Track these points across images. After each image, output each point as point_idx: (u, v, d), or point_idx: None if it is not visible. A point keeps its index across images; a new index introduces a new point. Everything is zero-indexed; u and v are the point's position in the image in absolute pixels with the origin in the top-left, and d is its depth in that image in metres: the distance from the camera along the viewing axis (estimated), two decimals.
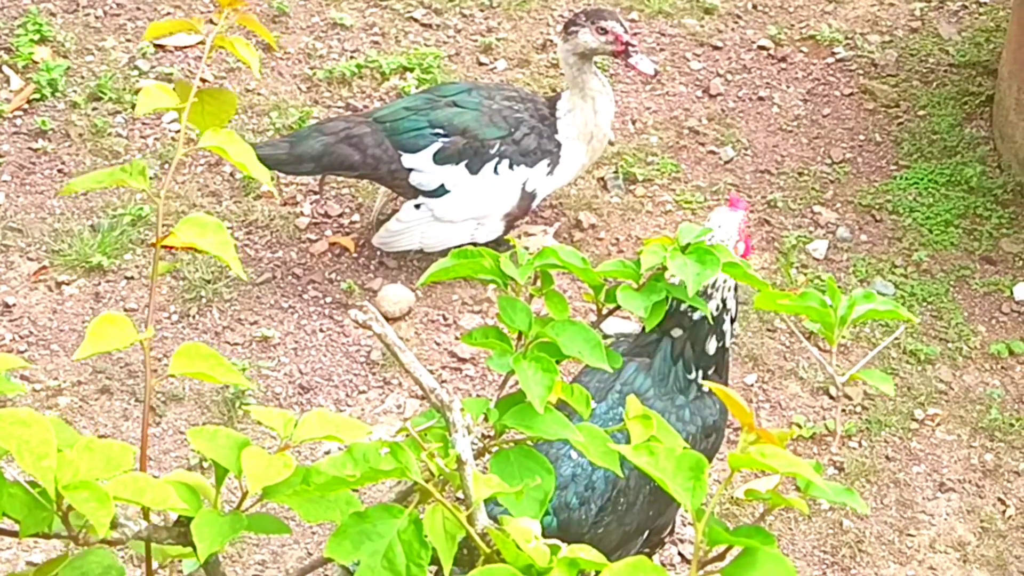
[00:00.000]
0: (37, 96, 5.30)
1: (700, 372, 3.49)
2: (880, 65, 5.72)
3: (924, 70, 5.71)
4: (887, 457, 4.35)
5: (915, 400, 4.50)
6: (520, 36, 5.76)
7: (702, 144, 5.36)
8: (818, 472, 2.15)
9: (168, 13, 5.72)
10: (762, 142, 5.38)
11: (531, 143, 4.66)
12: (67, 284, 4.68)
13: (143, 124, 5.25)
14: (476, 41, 5.72)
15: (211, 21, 2.78)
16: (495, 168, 4.63)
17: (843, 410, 4.46)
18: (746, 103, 5.55)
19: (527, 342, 2.56)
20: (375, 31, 5.72)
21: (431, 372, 4.34)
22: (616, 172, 5.14)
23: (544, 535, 2.09)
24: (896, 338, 4.62)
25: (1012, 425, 4.44)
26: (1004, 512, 4.23)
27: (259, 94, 5.39)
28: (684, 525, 4.04)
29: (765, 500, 2.22)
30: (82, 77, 5.41)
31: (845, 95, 5.60)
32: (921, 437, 4.42)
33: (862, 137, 5.41)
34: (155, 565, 2.64)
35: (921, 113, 5.50)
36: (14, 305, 4.61)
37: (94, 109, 5.28)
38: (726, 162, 5.29)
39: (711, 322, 3.44)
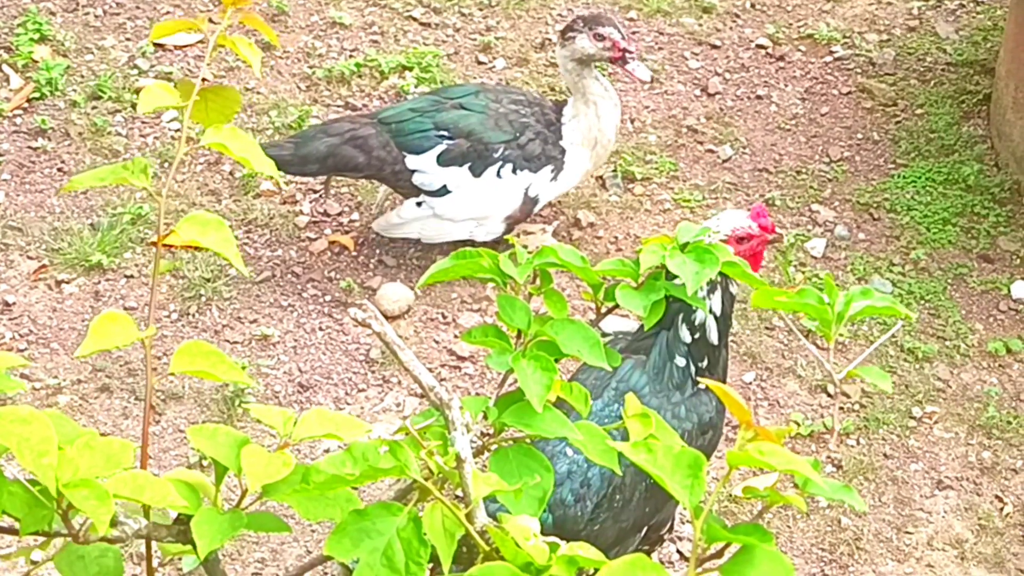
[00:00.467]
0: (37, 95, 5.31)
1: (688, 362, 3.47)
2: (878, 64, 5.73)
3: (922, 69, 5.72)
4: (885, 455, 4.36)
5: (913, 398, 4.51)
6: (519, 35, 5.77)
7: (700, 143, 5.37)
8: (816, 470, 2.16)
9: (168, 12, 5.73)
10: (760, 141, 5.39)
11: (536, 148, 4.66)
12: (67, 283, 4.69)
13: (143, 123, 5.25)
14: (475, 40, 5.72)
15: (211, 20, 2.79)
16: (498, 172, 4.64)
17: (841, 408, 4.47)
18: (744, 102, 5.56)
19: (526, 340, 2.57)
20: (374, 30, 5.73)
21: (430, 370, 4.35)
22: (615, 171, 5.15)
23: (540, 532, 2.10)
24: (894, 335, 4.63)
25: (1010, 423, 4.45)
26: (1002, 510, 4.23)
27: (258, 93, 5.40)
28: (683, 522, 4.05)
29: (763, 498, 2.23)
30: (82, 76, 5.42)
31: (843, 94, 5.61)
32: (919, 435, 4.42)
33: (860, 136, 5.42)
34: (155, 563, 2.65)
35: (919, 112, 5.51)
36: (14, 304, 4.61)
37: (94, 108, 5.29)
38: (724, 161, 5.30)
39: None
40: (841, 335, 4.53)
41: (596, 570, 2.01)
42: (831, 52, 5.78)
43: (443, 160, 4.62)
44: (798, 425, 4.38)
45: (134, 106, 5.26)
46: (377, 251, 4.86)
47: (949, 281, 4.88)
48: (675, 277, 2.67)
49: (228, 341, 4.56)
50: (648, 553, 3.68)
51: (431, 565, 2.14)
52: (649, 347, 3.52)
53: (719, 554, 2.14)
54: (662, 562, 4.00)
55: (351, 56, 5.59)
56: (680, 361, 3.47)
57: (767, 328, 4.69)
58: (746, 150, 5.33)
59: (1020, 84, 5.11)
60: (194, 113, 2.62)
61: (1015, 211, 5.11)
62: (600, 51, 4.58)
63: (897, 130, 5.44)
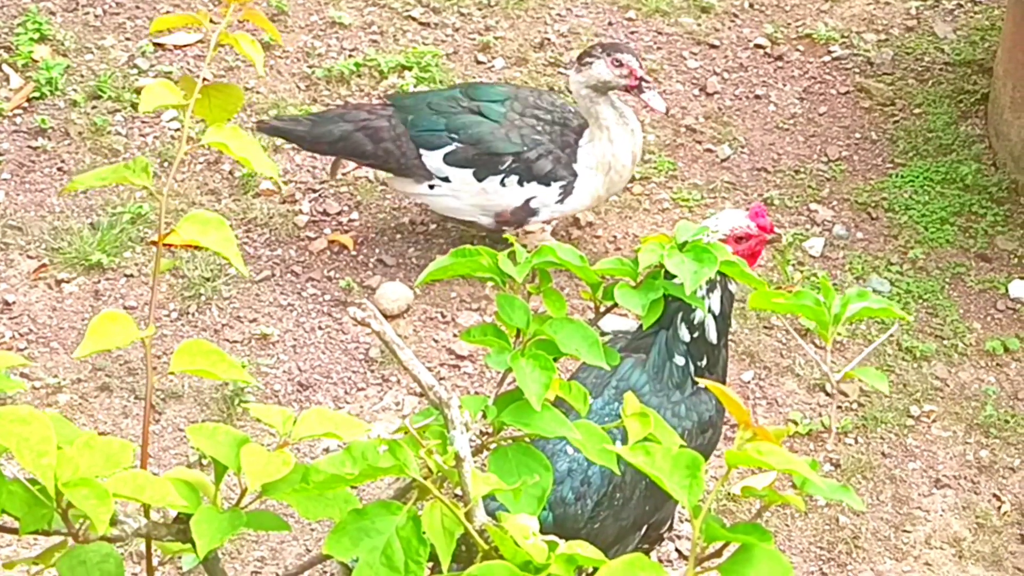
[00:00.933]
0: (37, 94, 5.31)
1: (688, 361, 3.48)
2: (876, 63, 5.73)
3: (920, 68, 5.72)
4: (883, 453, 4.37)
5: (911, 397, 4.52)
6: (518, 35, 5.77)
7: (699, 142, 5.38)
8: (814, 469, 2.16)
9: (167, 11, 5.73)
10: (759, 140, 5.40)
11: (545, 166, 4.67)
12: (67, 282, 4.69)
13: (142, 122, 5.26)
14: (474, 40, 5.73)
15: (212, 20, 2.79)
16: (502, 181, 4.67)
17: (839, 407, 4.47)
18: (743, 101, 5.56)
19: (525, 340, 2.57)
20: (373, 30, 5.73)
21: (429, 369, 4.36)
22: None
23: (540, 530, 2.11)
24: (891, 336, 4.63)
25: (1007, 422, 4.46)
26: (999, 508, 4.24)
27: (258, 92, 5.41)
28: (682, 521, 4.06)
29: (762, 497, 2.24)
30: (82, 76, 5.43)
31: (841, 93, 5.62)
32: (917, 434, 4.43)
33: (858, 135, 5.43)
34: (155, 561, 2.65)
35: (917, 111, 5.52)
36: (14, 303, 4.62)
37: (93, 107, 5.29)
38: (723, 160, 5.31)
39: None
40: (839, 334, 4.54)
41: (595, 569, 2.02)
42: (829, 52, 5.79)
43: (449, 160, 4.67)
44: (796, 424, 4.38)
45: (134, 105, 5.27)
46: (376, 250, 4.87)
47: (947, 280, 4.88)
48: (674, 276, 2.68)
49: (228, 340, 4.56)
50: (647, 552, 3.69)
51: (430, 564, 2.14)
52: (649, 346, 3.53)
53: (718, 553, 2.15)
54: (661, 561, 4.01)
55: (350, 56, 5.60)
56: (679, 360, 3.48)
57: (765, 327, 4.70)
58: (744, 149, 5.34)
59: (1018, 84, 5.11)
60: (197, 109, 2.63)
61: (1013, 210, 5.12)
62: (616, 78, 4.56)
63: (895, 130, 5.45)
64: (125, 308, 4.62)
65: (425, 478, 2.18)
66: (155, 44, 5.56)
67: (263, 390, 4.43)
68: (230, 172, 5.08)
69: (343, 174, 5.09)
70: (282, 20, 5.74)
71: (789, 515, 4.18)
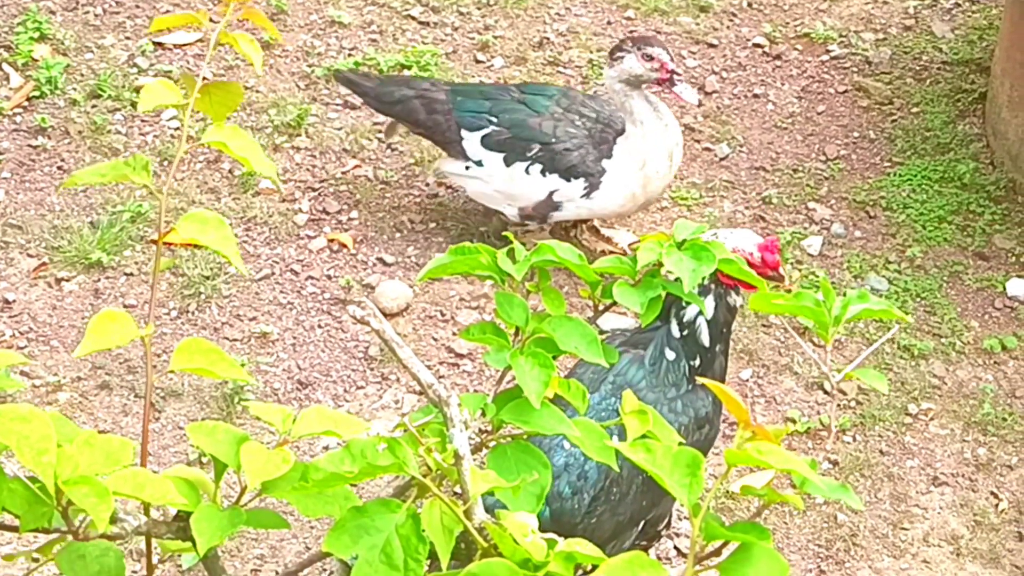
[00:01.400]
0: (37, 93, 5.32)
1: (680, 357, 3.49)
2: (874, 63, 5.74)
3: (918, 68, 5.73)
4: (881, 451, 4.37)
5: (909, 395, 4.53)
6: (517, 34, 5.78)
7: (697, 141, 5.39)
8: (813, 468, 2.17)
9: (167, 11, 5.74)
10: (757, 139, 5.40)
11: (572, 159, 4.68)
12: (67, 280, 4.70)
13: (142, 121, 5.27)
14: (473, 39, 5.74)
15: (211, 19, 2.80)
16: (527, 168, 4.70)
17: (837, 405, 4.48)
18: (741, 100, 5.57)
19: (524, 338, 2.58)
20: (373, 29, 5.74)
21: (429, 368, 4.36)
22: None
23: (537, 525, 2.11)
24: (891, 337, 4.64)
25: (1005, 420, 4.47)
26: (997, 506, 4.25)
27: (257, 91, 5.41)
28: (680, 519, 4.06)
29: (761, 496, 2.25)
30: (81, 75, 5.43)
31: (839, 92, 5.63)
32: (915, 432, 4.44)
33: (856, 134, 5.44)
34: (155, 559, 2.66)
35: (915, 110, 5.53)
36: (14, 301, 4.62)
37: (93, 106, 5.30)
38: (721, 159, 5.32)
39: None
40: (838, 333, 4.54)
41: (594, 567, 2.02)
42: (827, 51, 5.80)
43: (484, 142, 4.74)
44: (794, 422, 4.39)
45: (134, 104, 5.27)
46: (376, 249, 4.88)
47: (945, 279, 4.89)
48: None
49: (227, 339, 4.57)
50: (645, 549, 3.70)
51: (429, 561, 2.15)
52: (648, 342, 3.54)
53: (717, 552, 2.16)
54: (660, 559, 4.01)
55: (350, 55, 5.60)
56: (670, 354, 3.49)
57: (764, 325, 4.70)
58: (743, 148, 5.35)
59: (1015, 83, 5.12)
60: (198, 106, 2.63)
61: (1010, 209, 5.13)
62: (648, 72, 4.56)
63: (893, 128, 5.45)
64: (125, 306, 4.62)
65: (424, 476, 2.19)
66: (155, 43, 5.56)
67: (263, 388, 4.43)
68: (230, 171, 5.09)
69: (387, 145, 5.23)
70: (282, 19, 5.75)
71: (788, 513, 4.19)
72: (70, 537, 2.24)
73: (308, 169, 5.15)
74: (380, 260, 4.85)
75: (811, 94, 5.61)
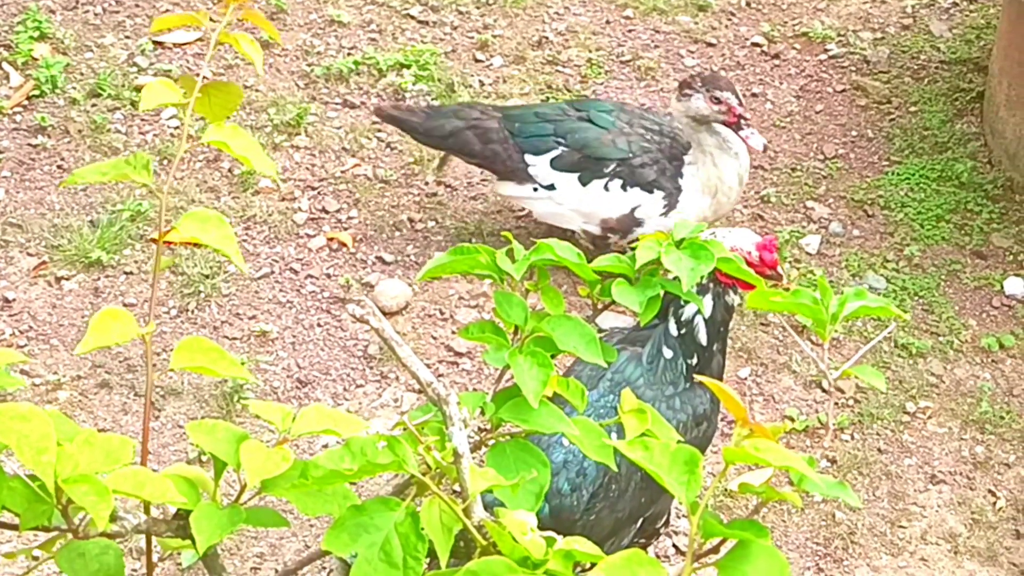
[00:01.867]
0: (37, 92, 5.32)
1: (677, 355, 3.50)
2: (872, 62, 5.75)
3: (916, 67, 5.74)
4: (879, 450, 4.38)
5: (907, 393, 4.54)
6: (516, 33, 5.79)
7: None
8: (811, 466, 2.18)
9: (167, 10, 5.75)
10: None
11: (649, 174, 4.62)
12: (67, 279, 4.71)
13: (142, 120, 5.27)
14: (472, 38, 5.75)
15: (212, 19, 2.81)
16: (605, 185, 4.63)
17: (835, 403, 4.49)
18: None
19: (523, 337, 2.59)
20: (372, 28, 5.75)
21: (428, 366, 4.37)
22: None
23: (536, 523, 2.12)
24: (887, 333, 4.65)
25: (1002, 418, 4.47)
26: (994, 504, 4.26)
27: (257, 91, 5.42)
28: (679, 517, 4.07)
29: (759, 494, 2.26)
30: (81, 74, 5.44)
31: (837, 91, 5.63)
32: (912, 430, 4.45)
33: (854, 133, 5.45)
34: (155, 557, 2.66)
35: (913, 109, 5.53)
36: (14, 300, 4.63)
37: (93, 106, 5.31)
38: None
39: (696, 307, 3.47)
40: (836, 331, 4.55)
41: (592, 564, 2.03)
42: (826, 50, 5.80)
43: (556, 164, 4.67)
44: (792, 420, 4.40)
45: (134, 103, 5.28)
46: (375, 248, 4.89)
47: (943, 277, 4.90)
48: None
49: (227, 337, 4.58)
50: (644, 547, 3.71)
51: (428, 560, 2.16)
52: (646, 340, 3.55)
53: (715, 549, 2.17)
54: (658, 556, 4.02)
55: (349, 54, 5.61)
56: (667, 352, 3.50)
57: (762, 324, 4.71)
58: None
59: (1013, 82, 5.13)
60: (196, 107, 2.64)
61: (1008, 208, 5.14)
62: (715, 113, 4.51)
63: (891, 127, 5.46)
64: (125, 305, 4.63)
65: (424, 474, 2.20)
66: (155, 42, 5.57)
67: (262, 387, 4.44)
68: (229, 170, 5.10)
69: (437, 180, 5.12)
70: (281, 18, 5.76)
71: (786, 511, 4.19)
72: (70, 535, 2.24)
73: (307, 168, 5.16)
74: (379, 259, 4.86)
75: (809, 93, 5.62)
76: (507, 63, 5.64)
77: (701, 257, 2.73)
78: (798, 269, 4.87)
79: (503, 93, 5.47)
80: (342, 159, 5.20)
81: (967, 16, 5.96)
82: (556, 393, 2.51)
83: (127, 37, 5.61)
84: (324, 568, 3.86)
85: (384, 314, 4.36)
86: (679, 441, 2.20)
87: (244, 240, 4.87)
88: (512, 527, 2.08)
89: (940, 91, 5.59)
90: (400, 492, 2.46)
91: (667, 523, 3.77)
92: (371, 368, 4.52)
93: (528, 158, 4.69)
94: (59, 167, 5.08)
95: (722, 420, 4.14)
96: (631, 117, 4.72)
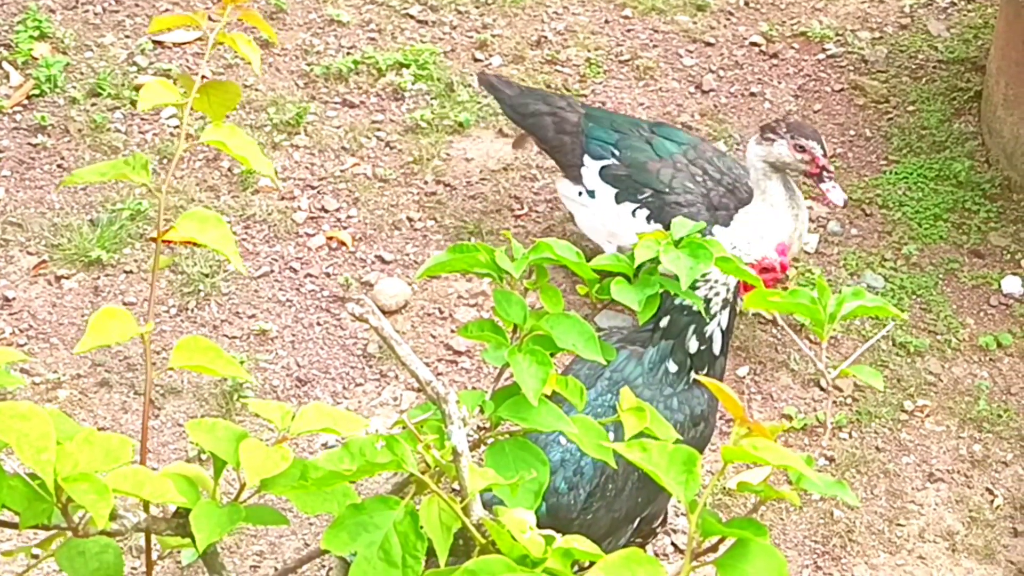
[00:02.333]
0: (37, 92, 5.33)
1: (680, 367, 3.52)
2: (870, 61, 5.76)
3: (913, 66, 5.75)
4: (877, 448, 4.39)
5: (905, 392, 4.54)
6: (515, 32, 5.79)
7: None
8: (809, 465, 2.19)
9: (167, 9, 5.75)
10: None
11: (675, 214, 4.37)
12: (66, 278, 4.71)
13: (142, 120, 5.28)
14: (471, 38, 5.75)
15: (211, 18, 2.81)
16: (633, 211, 4.57)
17: (833, 402, 4.49)
18: (738, 99, 5.59)
19: (522, 335, 2.59)
20: (371, 27, 5.75)
21: (427, 365, 4.38)
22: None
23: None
24: (886, 333, 4.66)
25: (1000, 416, 4.48)
26: (992, 502, 4.27)
27: (256, 90, 5.43)
28: (677, 515, 4.08)
29: (757, 492, 2.27)
30: (81, 73, 5.45)
31: (836, 91, 5.64)
32: (910, 428, 4.46)
33: (852, 132, 5.45)
34: (154, 556, 2.67)
35: (911, 109, 5.54)
36: (14, 299, 4.64)
37: (93, 105, 5.31)
38: None
39: (705, 317, 3.48)
40: (834, 330, 4.56)
41: (591, 563, 2.04)
42: (824, 50, 5.81)
43: (603, 173, 4.63)
44: (791, 419, 4.41)
45: (133, 103, 5.29)
46: (374, 247, 4.89)
47: (940, 276, 4.91)
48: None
49: (226, 336, 4.58)
50: (641, 546, 3.71)
51: (427, 558, 2.16)
52: (646, 339, 3.56)
53: (714, 548, 2.17)
54: (657, 555, 4.03)
55: (349, 53, 5.62)
56: (672, 367, 3.52)
57: (760, 322, 4.72)
58: (740, 147, 5.36)
59: (1011, 81, 5.14)
60: (195, 107, 2.65)
61: (1005, 207, 5.14)
62: (797, 162, 4.38)
63: (889, 127, 5.47)
64: (124, 304, 4.63)
65: (423, 473, 2.21)
66: (154, 42, 5.57)
67: (262, 385, 4.44)
68: (229, 169, 5.10)
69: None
70: (280, 18, 5.76)
71: (784, 509, 4.20)
72: (69, 534, 2.25)
73: (307, 167, 5.16)
74: (379, 258, 4.86)
75: (808, 92, 5.63)
76: (506, 62, 5.65)
77: (700, 256, 2.73)
78: (796, 268, 4.87)
79: None
80: (341, 158, 5.20)
81: (965, 16, 5.97)
82: (555, 392, 2.52)
83: (127, 36, 5.62)
84: (323, 566, 3.87)
85: (383, 313, 4.35)
86: (677, 441, 2.20)
87: (244, 239, 4.88)
88: (511, 526, 2.08)
89: (938, 90, 5.60)
90: (399, 491, 2.47)
91: (664, 522, 3.78)
92: (370, 367, 4.53)
93: (586, 159, 4.68)
94: (59, 166, 5.09)
95: (721, 419, 4.15)
96: (697, 156, 4.60)
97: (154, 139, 5.20)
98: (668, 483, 2.09)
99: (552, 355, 2.53)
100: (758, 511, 2.48)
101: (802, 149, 4.37)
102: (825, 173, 4.41)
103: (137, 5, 5.76)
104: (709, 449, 3.89)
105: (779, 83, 5.66)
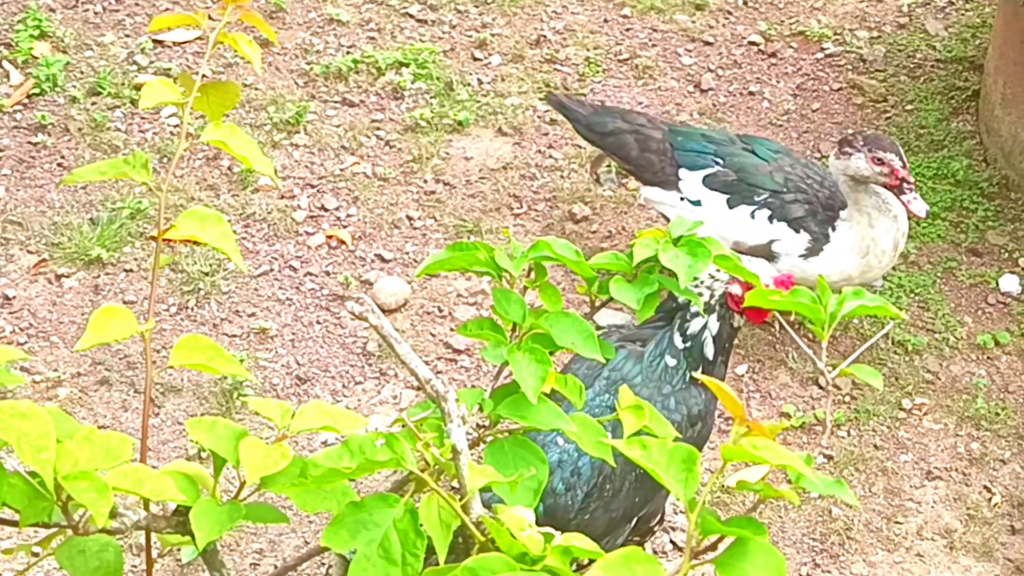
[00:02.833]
0: (37, 91, 5.33)
1: (680, 363, 3.53)
2: (868, 61, 5.76)
3: (912, 65, 5.75)
4: (875, 446, 4.40)
5: (903, 390, 4.55)
6: (514, 32, 5.80)
7: None
8: (808, 464, 2.20)
9: (167, 9, 5.76)
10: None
11: (798, 211, 4.49)
12: (67, 277, 4.72)
13: (142, 118, 5.28)
14: (471, 37, 5.76)
15: (211, 18, 2.82)
16: (752, 213, 4.52)
17: (832, 400, 4.49)
18: (737, 98, 5.59)
19: (521, 333, 2.60)
20: (371, 27, 5.76)
21: (427, 363, 4.38)
22: (609, 166, 5.18)
23: None
24: (886, 332, 4.66)
25: (998, 414, 4.49)
26: (990, 500, 4.27)
27: (256, 89, 5.43)
28: (676, 513, 4.09)
29: (756, 491, 2.27)
30: (81, 72, 5.45)
31: (834, 90, 5.65)
32: (909, 426, 4.46)
33: (851, 131, 5.46)
34: (154, 553, 2.68)
35: (909, 108, 5.55)
36: (14, 297, 4.64)
37: (93, 104, 5.32)
38: None
39: (702, 315, 3.49)
40: (832, 329, 4.56)
41: (589, 561, 2.05)
42: (822, 49, 5.82)
43: (707, 182, 4.56)
44: (789, 417, 4.42)
45: (133, 102, 5.29)
46: (374, 245, 4.90)
47: (938, 275, 4.91)
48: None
49: (226, 334, 4.59)
50: (639, 545, 3.72)
51: (427, 556, 2.17)
52: (644, 338, 3.57)
53: (713, 546, 2.18)
54: (656, 553, 4.04)
55: (348, 52, 5.62)
56: (671, 361, 3.52)
57: None
58: None
59: (1008, 80, 5.14)
60: (195, 106, 2.65)
61: (1003, 206, 5.15)
62: (876, 175, 4.35)
63: (887, 126, 5.47)
64: (124, 303, 4.64)
65: (422, 471, 2.21)
66: (154, 41, 5.58)
67: (261, 384, 4.45)
68: (228, 168, 5.11)
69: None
70: (280, 17, 5.77)
71: (782, 507, 4.21)
72: (70, 532, 2.25)
73: (307, 166, 5.17)
74: (378, 256, 4.87)
75: (806, 92, 5.64)
76: (505, 61, 5.66)
77: (698, 255, 2.74)
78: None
79: (501, 91, 5.49)
80: (341, 157, 5.21)
81: (963, 15, 5.98)
82: (554, 390, 2.52)
83: (127, 36, 5.62)
84: (323, 564, 3.87)
85: (383, 311, 4.37)
86: (676, 439, 2.21)
87: (244, 238, 4.89)
88: (510, 523, 2.09)
89: (936, 89, 5.61)
90: (399, 488, 2.48)
91: (661, 521, 3.79)
92: (370, 365, 4.54)
93: (682, 172, 4.60)
94: (59, 165, 5.09)
95: (720, 417, 4.16)
96: (794, 161, 4.61)
97: (154, 138, 5.21)
98: (668, 481, 2.10)
99: (551, 353, 2.54)
100: (757, 509, 2.48)
101: (880, 162, 4.32)
102: (905, 184, 4.35)
103: (137, 4, 5.77)
104: (708, 447, 3.90)
105: (778, 82, 5.67)
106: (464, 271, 2.92)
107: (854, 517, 4.20)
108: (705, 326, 3.51)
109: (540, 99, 5.44)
